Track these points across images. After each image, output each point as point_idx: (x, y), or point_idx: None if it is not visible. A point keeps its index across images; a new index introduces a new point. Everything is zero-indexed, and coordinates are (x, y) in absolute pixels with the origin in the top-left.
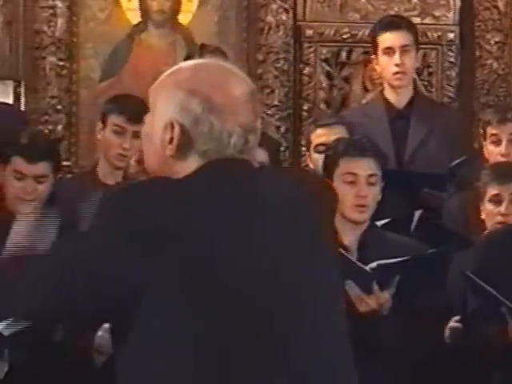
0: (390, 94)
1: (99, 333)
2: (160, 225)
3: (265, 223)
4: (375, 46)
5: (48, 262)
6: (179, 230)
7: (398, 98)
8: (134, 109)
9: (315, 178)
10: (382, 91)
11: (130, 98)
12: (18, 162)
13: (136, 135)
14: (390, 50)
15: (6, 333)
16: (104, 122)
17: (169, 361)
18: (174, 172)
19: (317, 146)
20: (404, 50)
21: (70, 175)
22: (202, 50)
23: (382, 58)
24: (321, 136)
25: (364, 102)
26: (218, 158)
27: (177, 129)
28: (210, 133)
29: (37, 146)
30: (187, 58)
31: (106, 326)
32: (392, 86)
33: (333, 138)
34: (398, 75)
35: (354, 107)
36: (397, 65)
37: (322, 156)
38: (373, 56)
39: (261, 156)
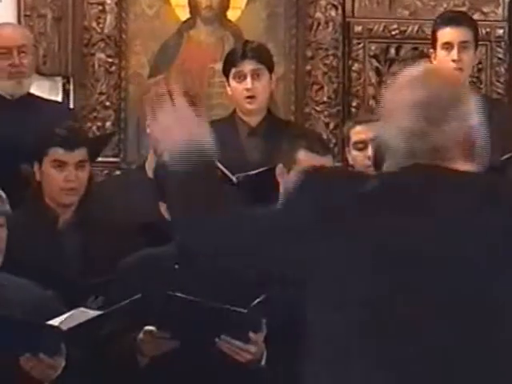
0: None
1: (140, 335)
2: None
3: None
4: (434, 40)
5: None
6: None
7: None
8: None
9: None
10: None
11: None
12: (57, 152)
13: None
14: (448, 46)
15: (65, 327)
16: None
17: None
18: None
19: (356, 143)
20: (463, 46)
21: (118, 171)
22: (245, 46)
23: (440, 53)
24: (360, 133)
25: None
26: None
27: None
28: (381, 137)
29: (73, 134)
30: (229, 54)
31: (147, 328)
32: None
33: (372, 135)
34: (456, 72)
35: None
36: (454, 60)
37: (361, 153)
38: (431, 50)
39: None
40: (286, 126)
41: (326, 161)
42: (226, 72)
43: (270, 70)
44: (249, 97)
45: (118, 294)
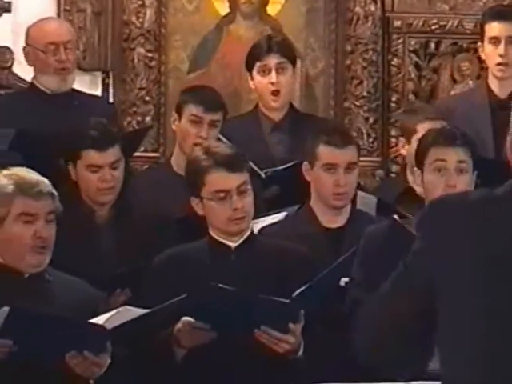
0: (493, 84)
1: (178, 325)
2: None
3: None
4: (482, 33)
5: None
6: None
7: (501, 88)
8: (210, 98)
9: None
10: (486, 79)
11: (204, 88)
12: (90, 155)
13: (212, 124)
14: (495, 40)
15: (109, 326)
16: (179, 112)
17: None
18: None
19: None
20: (510, 41)
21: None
22: (270, 40)
23: (488, 47)
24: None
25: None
26: None
27: None
28: None
29: (104, 134)
30: (253, 48)
31: (186, 318)
32: (495, 77)
33: None
34: (501, 66)
35: (456, 93)
36: (501, 55)
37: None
38: (479, 43)
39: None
40: (309, 121)
41: (346, 153)
42: (249, 66)
43: (294, 64)
44: (273, 92)
45: (152, 292)
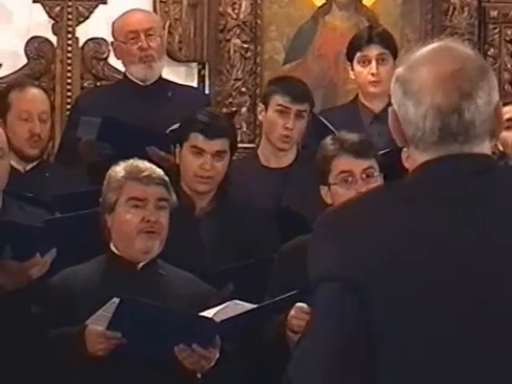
0: None
1: (292, 312)
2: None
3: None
4: None
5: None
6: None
7: None
8: (298, 89)
9: None
10: None
11: (292, 79)
12: (197, 139)
13: (299, 115)
14: None
15: (218, 319)
16: (266, 103)
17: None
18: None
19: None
20: None
21: None
22: (371, 31)
23: None
24: (507, 113)
25: None
26: (441, 155)
27: (392, 117)
28: (406, 118)
29: (216, 123)
30: (354, 38)
31: (299, 304)
32: None
33: None
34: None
35: None
36: None
37: (510, 133)
38: None
39: None
40: None
41: None
42: (349, 56)
43: (395, 55)
44: (373, 82)
45: (278, 281)
